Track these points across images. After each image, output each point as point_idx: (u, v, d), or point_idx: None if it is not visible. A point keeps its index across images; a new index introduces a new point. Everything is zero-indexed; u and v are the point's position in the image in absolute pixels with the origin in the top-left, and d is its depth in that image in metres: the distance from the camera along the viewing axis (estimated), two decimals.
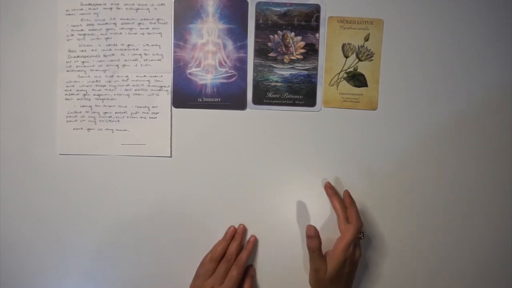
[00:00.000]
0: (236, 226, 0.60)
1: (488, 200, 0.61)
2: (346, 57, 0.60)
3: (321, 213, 0.61)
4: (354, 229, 0.54)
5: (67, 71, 0.60)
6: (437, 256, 0.61)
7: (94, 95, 0.60)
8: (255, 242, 0.60)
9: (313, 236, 0.54)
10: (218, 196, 0.61)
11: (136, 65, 0.60)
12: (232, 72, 0.60)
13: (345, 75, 0.60)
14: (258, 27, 0.60)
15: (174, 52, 0.60)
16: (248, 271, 0.60)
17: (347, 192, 0.58)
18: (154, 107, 0.60)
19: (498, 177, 0.61)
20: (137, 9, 0.59)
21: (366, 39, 0.60)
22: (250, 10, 0.60)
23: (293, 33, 0.60)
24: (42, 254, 0.61)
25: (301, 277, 0.60)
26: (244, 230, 0.60)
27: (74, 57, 0.60)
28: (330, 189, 0.59)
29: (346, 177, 0.61)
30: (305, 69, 0.60)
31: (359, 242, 0.56)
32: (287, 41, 0.60)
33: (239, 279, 0.56)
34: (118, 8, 0.59)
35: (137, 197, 0.61)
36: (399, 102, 0.60)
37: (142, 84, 0.60)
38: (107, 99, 0.60)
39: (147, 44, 0.60)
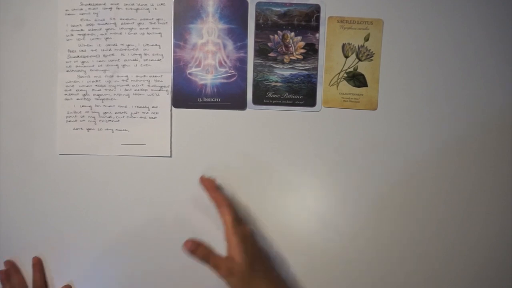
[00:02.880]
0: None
1: (488, 200, 0.61)
2: (346, 57, 0.60)
3: (321, 213, 0.61)
4: (227, 208, 0.53)
5: (67, 71, 0.60)
6: (437, 256, 0.61)
7: (94, 95, 0.60)
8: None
9: (195, 249, 0.51)
10: None
11: (136, 65, 0.60)
12: (232, 72, 0.60)
13: (345, 75, 0.60)
14: (258, 27, 0.60)
15: (174, 52, 0.60)
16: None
17: (203, 179, 0.58)
18: (154, 107, 0.60)
19: (498, 177, 0.61)
20: (137, 9, 0.59)
21: (366, 39, 0.60)
22: (250, 10, 0.60)
23: (293, 33, 0.60)
24: (42, 254, 0.61)
25: (301, 277, 0.60)
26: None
27: (74, 57, 0.60)
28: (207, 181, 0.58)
29: (346, 177, 0.61)
30: (305, 69, 0.60)
31: (242, 219, 0.55)
32: (287, 41, 0.60)
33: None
34: (118, 8, 0.59)
35: (137, 197, 0.61)
36: (399, 102, 0.60)
37: (142, 84, 0.60)
38: (107, 99, 0.60)
39: (147, 44, 0.60)
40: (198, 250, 0.51)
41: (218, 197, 0.56)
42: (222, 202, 0.55)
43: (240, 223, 0.54)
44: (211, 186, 0.57)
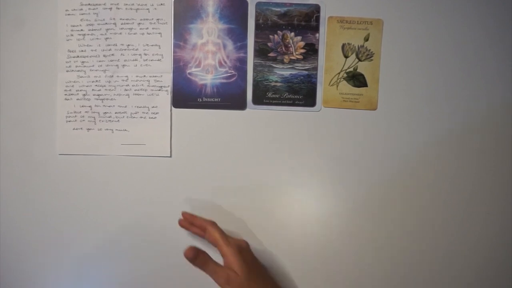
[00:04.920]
0: (234, 225, 0.60)
1: (488, 200, 0.61)
2: (346, 57, 0.60)
3: (321, 212, 0.61)
4: (212, 227, 0.54)
5: (67, 71, 0.60)
6: (437, 256, 0.61)
7: (94, 95, 0.60)
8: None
9: (195, 258, 0.51)
10: (217, 196, 0.61)
11: (136, 65, 0.60)
12: (232, 72, 0.60)
13: (345, 75, 0.60)
14: (258, 27, 0.60)
15: (174, 52, 0.60)
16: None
17: (185, 214, 0.58)
18: (154, 107, 0.60)
19: (498, 177, 0.61)
20: (137, 9, 0.59)
21: (366, 39, 0.60)
22: (250, 10, 0.60)
23: (293, 33, 0.60)
24: (42, 254, 0.61)
25: (300, 278, 0.60)
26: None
27: (74, 57, 0.60)
28: (184, 223, 0.58)
29: (346, 177, 0.61)
30: (305, 69, 0.60)
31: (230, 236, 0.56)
32: (287, 41, 0.60)
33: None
34: (118, 8, 0.59)
35: (137, 197, 0.61)
36: (399, 102, 0.60)
37: (142, 84, 0.60)
38: (107, 99, 0.60)
39: (147, 44, 0.60)
40: (198, 258, 0.51)
41: (198, 222, 0.56)
42: (205, 224, 0.55)
43: (230, 237, 0.55)
44: (189, 217, 0.58)
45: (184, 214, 0.59)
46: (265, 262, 0.60)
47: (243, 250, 0.54)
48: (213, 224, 0.55)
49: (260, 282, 0.52)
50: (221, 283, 0.51)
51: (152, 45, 0.60)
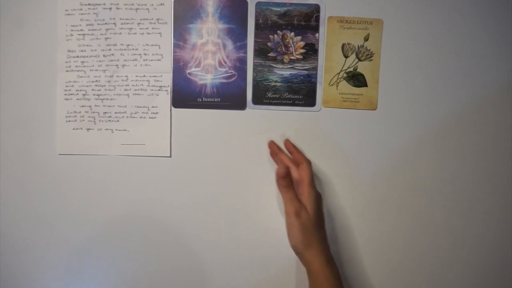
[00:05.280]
0: (234, 224, 0.60)
1: (488, 200, 0.61)
2: (346, 57, 0.60)
3: None
4: (307, 164, 0.55)
5: (67, 71, 0.60)
6: (437, 256, 0.61)
7: (93, 95, 0.60)
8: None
9: (285, 177, 0.53)
10: (217, 196, 0.61)
11: (136, 65, 0.60)
12: (232, 72, 0.60)
13: (345, 75, 0.60)
14: (258, 27, 0.60)
15: (174, 52, 0.60)
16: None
17: (287, 141, 0.59)
18: (153, 107, 0.60)
19: (498, 177, 0.61)
20: (136, 9, 0.59)
21: (366, 39, 0.60)
22: (250, 10, 0.59)
23: (292, 33, 0.60)
24: (41, 253, 0.61)
25: (300, 276, 0.60)
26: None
27: (74, 57, 0.60)
28: (274, 145, 0.59)
29: (346, 177, 0.61)
30: (305, 69, 0.60)
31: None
32: (287, 41, 0.60)
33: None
34: (118, 8, 0.59)
35: (137, 197, 0.61)
36: (399, 102, 0.60)
37: (142, 84, 0.60)
38: (107, 99, 0.60)
39: (147, 44, 0.60)
40: (286, 178, 0.53)
41: (298, 155, 0.57)
42: (303, 159, 0.56)
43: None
44: (291, 146, 0.59)
45: (286, 141, 0.59)
46: (263, 260, 0.60)
47: (320, 201, 0.55)
48: (310, 163, 0.56)
49: (321, 233, 0.54)
50: (291, 213, 0.52)
51: (152, 45, 0.60)
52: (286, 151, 0.60)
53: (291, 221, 0.52)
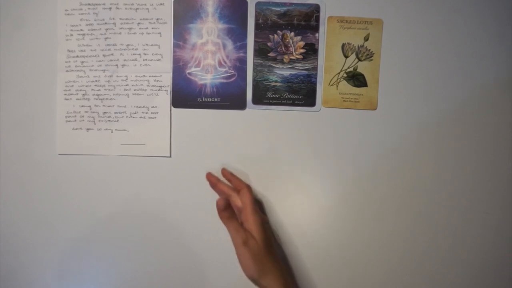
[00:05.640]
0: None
1: (488, 200, 0.61)
2: (346, 57, 0.60)
3: (321, 213, 0.61)
4: (247, 189, 0.55)
5: (67, 71, 0.60)
6: (436, 256, 0.61)
7: (93, 95, 0.60)
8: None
9: (224, 209, 0.53)
10: (217, 196, 0.61)
11: (136, 65, 0.60)
12: (231, 72, 0.60)
13: (345, 75, 0.60)
14: (257, 27, 0.60)
15: (174, 52, 0.60)
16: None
17: (224, 170, 0.59)
18: (153, 107, 0.60)
19: (498, 177, 0.61)
20: (136, 9, 0.59)
21: (366, 39, 0.60)
22: (249, 9, 0.59)
23: (292, 33, 0.60)
24: (41, 253, 0.61)
25: (300, 277, 0.60)
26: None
27: (74, 57, 0.60)
28: (213, 177, 0.59)
29: (346, 177, 0.61)
30: (305, 69, 0.60)
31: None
32: (287, 41, 0.60)
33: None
34: (118, 8, 0.59)
35: (137, 197, 0.61)
36: (399, 102, 0.60)
37: (142, 84, 0.60)
38: (107, 99, 0.60)
39: (147, 44, 0.60)
40: (227, 210, 0.53)
41: (237, 181, 0.58)
42: (242, 185, 0.56)
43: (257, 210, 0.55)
44: (228, 174, 0.59)
45: (223, 170, 0.59)
46: None
47: (266, 224, 0.55)
48: (249, 187, 0.56)
49: (273, 257, 0.53)
50: (238, 243, 0.52)
51: (151, 45, 0.60)
52: (225, 180, 0.59)
53: (241, 251, 0.51)
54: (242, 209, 0.54)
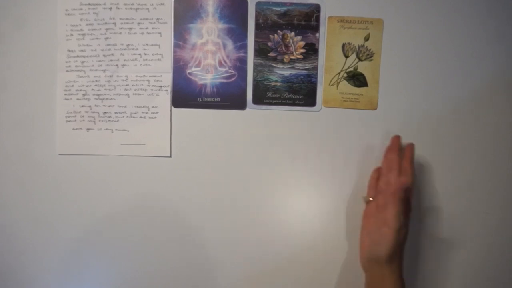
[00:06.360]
0: (234, 223, 0.60)
1: (488, 200, 0.61)
2: (346, 57, 0.60)
3: (321, 212, 0.61)
4: (408, 178, 0.54)
5: (67, 71, 0.60)
6: (436, 256, 0.61)
7: (93, 95, 0.60)
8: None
9: (408, 188, 0.53)
10: (217, 196, 0.61)
11: (136, 65, 0.60)
12: (232, 72, 0.60)
13: (345, 75, 0.60)
14: (258, 26, 0.60)
15: (174, 51, 0.60)
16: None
17: (411, 145, 0.57)
18: (153, 107, 0.60)
19: (498, 177, 0.61)
20: (136, 8, 0.59)
21: (366, 39, 0.60)
22: (250, 9, 0.59)
23: (293, 33, 0.60)
24: (41, 253, 0.61)
25: (300, 277, 0.60)
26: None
27: (74, 57, 0.60)
28: (397, 143, 0.57)
29: (346, 177, 0.61)
30: (305, 69, 0.60)
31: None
32: (287, 40, 0.60)
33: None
34: (118, 8, 0.59)
35: (137, 197, 0.61)
36: (399, 102, 0.60)
37: (142, 84, 0.60)
38: (107, 99, 0.60)
39: (147, 44, 0.60)
40: (408, 190, 0.53)
41: (410, 167, 0.55)
42: (410, 175, 0.54)
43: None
44: (410, 151, 0.57)
45: (409, 144, 0.57)
46: (263, 259, 0.60)
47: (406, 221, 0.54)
48: (411, 178, 0.54)
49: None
50: (395, 227, 0.52)
51: (152, 45, 0.60)
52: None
53: (393, 236, 0.52)
54: (392, 192, 0.53)
